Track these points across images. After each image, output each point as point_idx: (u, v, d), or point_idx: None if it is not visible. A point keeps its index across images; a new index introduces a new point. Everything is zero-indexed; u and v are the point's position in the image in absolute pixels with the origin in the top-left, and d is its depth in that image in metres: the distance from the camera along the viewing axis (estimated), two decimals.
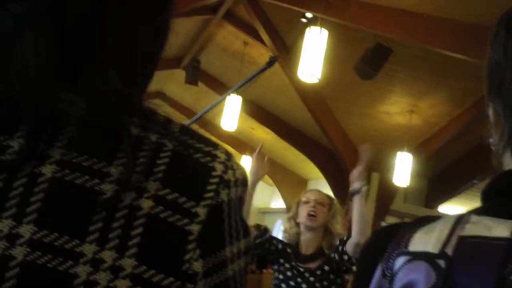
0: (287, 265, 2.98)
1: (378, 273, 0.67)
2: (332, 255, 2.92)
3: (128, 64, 0.57)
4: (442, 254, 0.62)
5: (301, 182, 11.51)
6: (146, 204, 0.50)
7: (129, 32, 0.56)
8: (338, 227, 3.00)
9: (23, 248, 0.47)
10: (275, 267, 3.04)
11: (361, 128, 7.82)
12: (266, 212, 13.55)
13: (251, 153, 10.27)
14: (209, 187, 0.53)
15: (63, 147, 0.50)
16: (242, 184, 0.57)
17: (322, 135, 8.13)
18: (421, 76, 6.35)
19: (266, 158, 3.11)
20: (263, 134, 10.00)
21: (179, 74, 8.54)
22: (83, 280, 0.47)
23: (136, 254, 0.49)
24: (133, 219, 0.49)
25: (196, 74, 8.27)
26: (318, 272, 2.91)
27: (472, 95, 6.41)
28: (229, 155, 0.57)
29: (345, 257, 2.85)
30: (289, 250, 3.02)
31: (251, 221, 11.46)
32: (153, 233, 0.50)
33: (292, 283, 2.91)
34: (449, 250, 0.62)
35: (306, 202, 2.99)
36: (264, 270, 11.04)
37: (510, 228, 0.61)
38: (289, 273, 2.95)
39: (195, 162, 0.54)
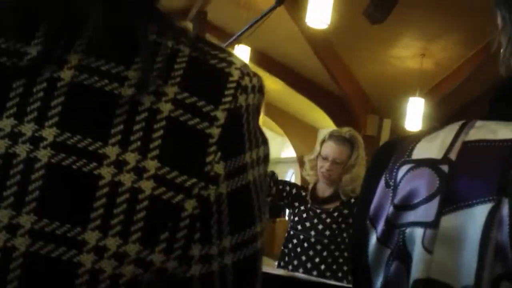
0: (302, 208, 2.99)
1: (381, 184, 0.67)
2: (353, 200, 2.92)
3: None
4: (445, 159, 0.62)
5: (312, 131, 11.49)
6: (166, 107, 0.50)
7: None
8: (347, 177, 2.95)
9: (48, 150, 0.47)
10: (291, 211, 3.05)
11: (371, 73, 7.75)
12: (277, 162, 13.59)
13: None
14: (227, 92, 0.53)
15: (80, 52, 0.50)
16: (259, 91, 0.57)
17: (332, 82, 8.08)
18: (432, 17, 6.24)
19: None
20: (272, 84, 9.94)
21: (186, 26, 8.45)
22: (108, 181, 0.48)
23: (158, 156, 0.49)
24: (153, 122, 0.50)
25: (203, 26, 8.19)
26: (335, 214, 2.91)
27: (484, 36, 6.30)
28: (244, 62, 0.57)
29: None
30: (303, 193, 3.03)
31: None
32: (174, 135, 0.50)
33: (308, 224, 2.93)
34: (453, 155, 0.62)
35: (325, 159, 2.97)
36: (277, 219, 11.20)
37: None
38: (304, 215, 2.97)
39: (212, 68, 0.54)
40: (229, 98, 0.53)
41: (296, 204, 3.03)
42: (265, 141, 0.58)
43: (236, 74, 0.54)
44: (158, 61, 0.52)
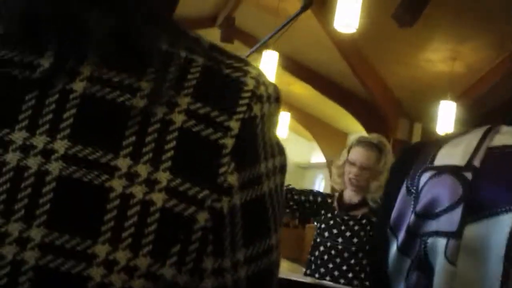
0: (329, 215, 2.97)
1: (403, 191, 0.65)
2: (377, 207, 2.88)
3: None
4: (468, 166, 0.60)
5: (341, 136, 11.44)
6: (178, 118, 0.50)
7: None
8: (375, 184, 2.92)
9: (59, 163, 0.47)
10: (317, 218, 3.03)
11: (401, 77, 7.69)
12: (306, 167, 13.56)
13: (289, 109, 10.26)
14: (242, 101, 0.52)
15: (92, 63, 0.50)
16: (275, 100, 0.56)
17: (361, 87, 8.04)
18: (462, 20, 6.16)
19: None
20: (300, 89, 9.94)
21: (214, 32, 8.51)
22: (119, 193, 0.47)
23: (170, 168, 0.49)
24: (166, 133, 0.49)
25: (231, 32, 8.23)
26: (363, 221, 2.88)
27: None
28: (260, 72, 0.56)
29: None
30: (329, 200, 3.01)
31: (293, 176, 11.56)
32: (187, 147, 0.50)
33: (335, 231, 2.90)
34: (477, 162, 0.60)
35: (353, 164, 2.94)
36: (307, 225, 11.17)
37: None
38: (331, 222, 2.94)
39: (226, 77, 0.53)
40: (243, 108, 0.52)
41: (323, 211, 3.00)
42: (281, 151, 0.57)
43: (251, 83, 0.53)
44: (171, 71, 0.51)
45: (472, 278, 0.57)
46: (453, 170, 0.61)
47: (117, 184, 0.47)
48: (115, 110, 0.49)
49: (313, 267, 2.94)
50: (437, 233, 0.60)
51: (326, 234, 2.92)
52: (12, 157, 0.47)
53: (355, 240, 2.86)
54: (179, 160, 0.49)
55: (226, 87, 0.53)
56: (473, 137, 0.63)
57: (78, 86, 0.49)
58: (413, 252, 0.63)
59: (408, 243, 0.63)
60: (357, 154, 2.95)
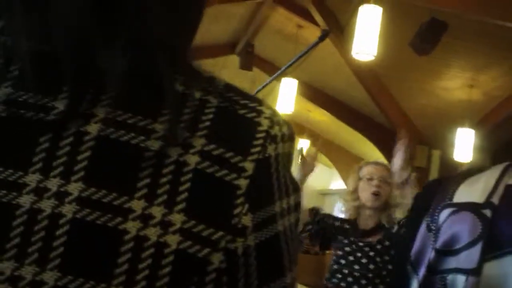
0: (345, 241, 2.93)
1: (423, 228, 0.66)
2: (392, 229, 2.88)
3: (171, 14, 0.55)
4: (488, 203, 0.61)
5: (360, 162, 11.40)
6: (193, 159, 0.50)
7: None
8: (396, 198, 2.94)
9: (72, 205, 0.47)
10: (334, 244, 3.02)
11: (419, 105, 7.69)
12: (326, 193, 13.50)
13: (308, 136, 10.25)
14: (256, 142, 0.53)
15: (107, 105, 0.50)
16: (289, 139, 0.56)
17: (380, 113, 8.03)
18: (479, 49, 6.18)
19: (315, 155, 3.05)
20: (319, 116, 9.95)
21: (233, 60, 8.57)
22: (133, 235, 0.47)
23: (184, 209, 0.49)
24: (180, 175, 0.49)
25: (250, 59, 8.28)
26: (379, 247, 2.86)
27: None
28: (274, 111, 0.56)
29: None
30: (347, 226, 2.99)
31: (313, 202, 11.44)
32: (201, 188, 0.50)
33: (351, 258, 2.88)
34: (496, 199, 0.61)
35: (370, 179, 2.93)
36: (327, 252, 11.03)
37: None
38: (347, 248, 2.91)
39: (241, 118, 0.53)
40: (258, 149, 0.52)
41: (340, 237, 2.99)
42: (296, 189, 0.57)
43: (265, 124, 0.54)
44: (186, 112, 0.51)
45: None
46: (473, 208, 0.62)
47: (131, 226, 0.47)
48: (129, 152, 0.49)
49: None
50: (457, 270, 0.60)
51: (343, 261, 2.90)
52: (25, 200, 0.47)
53: (371, 266, 2.83)
54: (193, 202, 0.49)
55: (241, 127, 0.53)
56: (492, 175, 0.64)
57: (93, 128, 0.49)
58: None
59: (429, 279, 0.63)
60: (372, 169, 2.96)
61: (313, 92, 8.93)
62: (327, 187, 13.43)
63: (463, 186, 0.65)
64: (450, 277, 0.60)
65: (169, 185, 0.49)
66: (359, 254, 2.88)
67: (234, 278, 0.51)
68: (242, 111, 0.54)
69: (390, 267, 2.85)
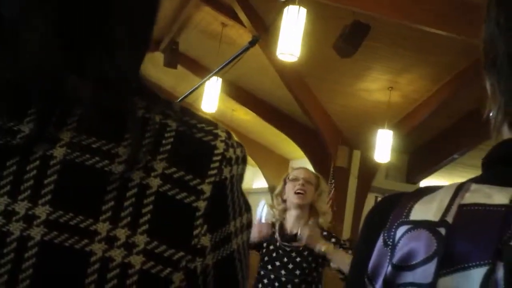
0: (271, 247, 2.94)
1: (379, 243, 0.67)
2: (328, 238, 2.89)
3: (135, 46, 0.59)
4: (442, 222, 0.63)
5: (283, 162, 11.53)
6: (155, 182, 0.52)
7: (134, 14, 0.58)
8: (324, 206, 2.99)
9: (41, 228, 0.48)
10: (260, 251, 3.01)
11: (341, 106, 7.85)
12: (248, 192, 13.57)
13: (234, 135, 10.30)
14: (213, 165, 0.55)
15: (72, 129, 0.51)
16: (242, 161, 0.59)
17: (303, 114, 8.14)
18: (400, 52, 6.38)
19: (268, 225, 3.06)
20: (244, 115, 9.99)
21: (158, 57, 8.47)
22: (99, 257, 0.49)
23: (147, 231, 0.51)
24: (143, 197, 0.51)
25: (175, 57, 8.21)
26: (305, 253, 2.87)
27: (450, 70, 6.46)
28: (229, 134, 0.59)
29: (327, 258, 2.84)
30: (272, 230, 3.00)
31: None
32: (163, 210, 0.52)
33: (277, 263, 2.88)
34: (450, 218, 0.63)
35: (294, 180, 2.97)
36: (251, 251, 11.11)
37: (509, 195, 0.62)
38: (274, 254, 2.91)
39: (198, 141, 0.56)
40: (214, 171, 0.55)
41: (265, 244, 2.99)
42: (248, 208, 0.60)
43: (221, 147, 0.56)
44: (147, 136, 0.53)
45: None
46: (428, 226, 0.63)
47: (97, 248, 0.49)
48: (94, 176, 0.50)
49: None
50: (413, 284, 0.62)
51: (269, 266, 2.89)
52: None
53: (297, 272, 2.84)
54: (155, 223, 0.51)
55: (199, 151, 0.55)
56: (445, 194, 0.66)
57: (58, 152, 0.50)
58: None
59: None
60: (298, 171, 3.00)
61: (237, 91, 8.96)
62: (250, 186, 13.50)
63: (418, 204, 0.67)
64: None
65: (133, 208, 0.51)
66: (285, 259, 2.88)
67: None
68: (199, 135, 0.56)
69: (315, 274, 2.87)
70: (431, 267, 0.61)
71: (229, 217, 0.56)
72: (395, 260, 0.65)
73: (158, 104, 0.57)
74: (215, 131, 0.58)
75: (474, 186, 0.66)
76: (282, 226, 2.98)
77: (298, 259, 2.85)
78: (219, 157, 0.56)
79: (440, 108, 7.12)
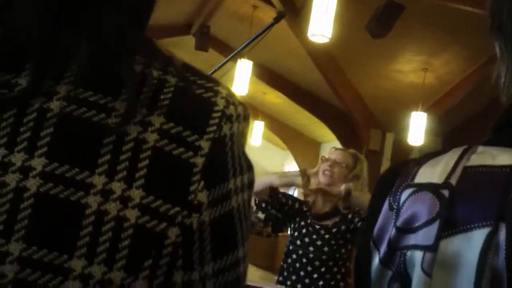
0: (302, 223, 2.99)
1: (385, 207, 0.68)
2: (350, 216, 2.91)
3: (134, 6, 0.58)
4: (446, 184, 0.63)
5: (314, 145, 11.50)
6: (152, 137, 0.52)
7: None
8: (357, 189, 2.96)
9: (36, 179, 0.48)
10: (291, 225, 3.05)
11: (374, 88, 7.77)
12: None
13: (262, 118, 10.26)
14: (212, 121, 0.55)
15: (69, 83, 0.51)
16: (243, 119, 0.58)
17: (335, 96, 8.09)
18: (434, 33, 6.26)
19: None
20: (275, 98, 9.97)
21: (189, 40, 8.49)
22: (94, 210, 0.49)
23: (143, 185, 0.51)
24: (139, 152, 0.51)
25: (205, 40, 8.22)
26: (334, 230, 2.91)
27: (485, 51, 6.32)
28: (230, 91, 0.58)
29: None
30: (305, 208, 3.03)
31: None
32: (159, 165, 0.52)
33: (307, 239, 2.92)
34: (453, 180, 0.63)
35: (326, 160, 2.99)
36: (280, 234, 11.15)
37: None
38: (304, 230, 2.96)
39: (198, 97, 0.55)
40: (213, 128, 0.54)
41: (297, 219, 3.02)
42: (249, 168, 0.59)
43: (221, 104, 0.56)
44: (145, 91, 0.53)
45: None
46: (432, 188, 0.64)
47: (93, 201, 0.49)
48: (91, 129, 0.50)
49: (285, 274, 2.96)
50: (415, 247, 0.62)
51: (298, 242, 2.94)
52: None
53: (325, 249, 2.88)
54: (151, 178, 0.51)
55: (198, 107, 0.55)
56: (451, 157, 0.66)
57: (55, 105, 0.50)
58: (394, 264, 0.65)
59: (389, 256, 0.66)
60: (332, 153, 3.01)
61: (268, 74, 8.94)
62: (280, 169, 13.51)
63: (423, 168, 0.67)
64: (408, 253, 0.63)
65: (129, 162, 0.51)
66: (314, 237, 2.92)
67: (189, 251, 0.53)
68: (199, 91, 0.56)
69: (343, 250, 2.90)
70: (433, 229, 0.61)
71: (228, 174, 0.55)
72: (399, 223, 0.65)
73: (158, 60, 0.56)
74: (216, 88, 0.57)
75: (481, 149, 0.65)
76: (314, 204, 3.01)
77: (326, 236, 2.89)
78: (218, 114, 0.55)
79: (475, 90, 6.99)
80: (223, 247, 0.56)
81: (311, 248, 2.90)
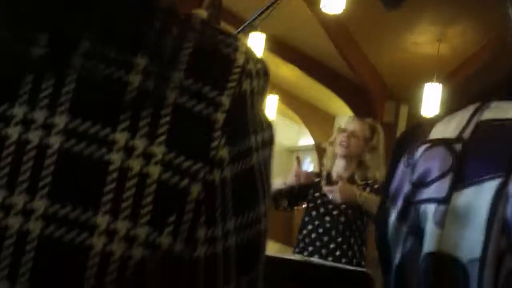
0: (317, 194, 2.98)
1: (402, 164, 0.70)
2: (364, 187, 2.90)
3: None
4: (459, 138, 0.65)
5: (329, 118, 11.46)
6: (172, 94, 0.52)
7: None
8: (374, 161, 2.95)
9: (59, 136, 0.49)
10: (307, 197, 3.04)
11: (388, 60, 7.70)
12: (294, 150, 13.58)
13: (276, 92, 10.25)
14: (232, 77, 0.54)
15: (90, 39, 0.51)
16: (263, 75, 0.58)
17: (349, 69, 8.04)
18: (448, 3, 6.17)
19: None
20: (288, 72, 9.92)
21: (201, 14, 8.44)
22: (117, 166, 0.49)
23: (165, 142, 0.51)
24: (160, 109, 0.51)
25: (217, 13, 8.17)
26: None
27: (499, 22, 6.22)
28: (249, 47, 0.58)
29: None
30: (318, 180, 3.03)
31: (281, 159, 11.52)
32: (180, 122, 0.52)
33: (322, 210, 2.92)
34: (466, 135, 0.65)
35: (343, 131, 2.99)
36: (296, 208, 11.21)
37: None
38: (319, 201, 2.96)
39: (217, 53, 0.55)
40: (233, 84, 0.54)
41: (311, 191, 3.02)
42: (269, 125, 0.59)
43: (241, 59, 0.56)
44: (164, 47, 0.53)
45: (457, 239, 0.62)
46: (445, 143, 0.65)
47: (116, 158, 0.49)
48: (112, 86, 0.51)
49: (301, 245, 2.97)
50: (428, 200, 0.64)
51: (314, 213, 2.95)
52: (13, 131, 0.49)
53: (342, 218, 2.88)
54: (173, 135, 0.51)
55: (217, 63, 0.55)
56: (465, 113, 0.68)
57: (76, 61, 0.51)
58: (409, 219, 0.67)
59: (405, 212, 0.68)
60: (349, 124, 3.00)
61: (281, 47, 8.88)
62: (295, 144, 13.49)
63: (438, 124, 0.69)
64: (422, 207, 0.65)
65: (150, 118, 0.51)
66: (330, 206, 2.92)
67: (211, 207, 0.53)
68: (218, 46, 0.56)
69: (359, 221, 2.90)
70: (446, 182, 0.63)
71: (249, 131, 0.56)
72: (413, 178, 0.67)
73: (177, 17, 0.56)
74: (235, 43, 0.57)
75: (494, 104, 0.67)
76: (329, 175, 3.01)
77: (343, 206, 2.88)
78: (238, 69, 0.55)
79: (491, 61, 6.90)
80: (244, 203, 0.56)
81: (327, 218, 2.91)
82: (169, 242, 0.51)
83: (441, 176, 0.64)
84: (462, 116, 0.67)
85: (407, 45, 7.34)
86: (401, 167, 0.70)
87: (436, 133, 0.68)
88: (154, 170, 0.50)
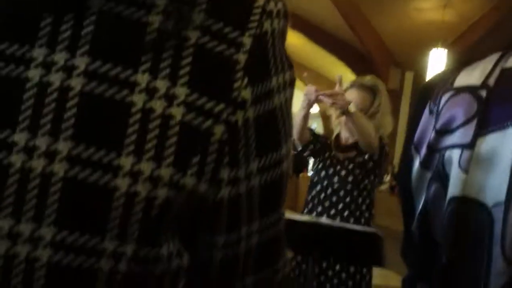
0: (326, 154, 2.98)
1: (426, 112, 0.71)
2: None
3: None
4: (483, 85, 0.66)
5: (334, 86, 11.42)
6: (193, 34, 0.51)
7: None
8: (380, 118, 2.96)
9: (80, 78, 0.48)
10: (316, 158, 3.05)
11: (393, 26, 7.66)
12: None
13: None
14: (253, 17, 0.53)
15: None
16: (284, 15, 0.57)
17: (354, 36, 8.00)
18: None
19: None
20: (293, 39, 9.86)
21: None
22: (140, 108, 0.48)
23: (187, 83, 0.50)
24: (181, 50, 0.50)
25: None
26: (358, 160, 2.90)
27: None
28: None
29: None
30: (326, 141, 3.04)
31: None
32: (202, 62, 0.51)
33: (331, 170, 2.92)
34: (491, 81, 0.65)
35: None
36: (300, 174, 11.20)
37: None
38: (328, 162, 2.96)
39: None
40: (254, 24, 0.53)
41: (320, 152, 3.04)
42: (290, 66, 0.58)
43: (261, 0, 0.54)
44: None
45: (482, 184, 0.63)
46: (470, 90, 0.66)
47: (138, 99, 0.48)
48: (131, 28, 0.50)
49: (310, 206, 2.96)
50: (453, 146, 0.65)
51: (323, 173, 2.93)
52: (34, 74, 0.48)
53: (350, 178, 2.86)
54: (195, 76, 0.50)
55: (238, 3, 0.54)
56: (489, 61, 0.68)
57: (95, 2, 0.49)
58: (433, 165, 0.68)
59: (429, 158, 0.69)
60: (351, 96, 2.99)
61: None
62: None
63: (463, 73, 0.69)
64: (447, 152, 0.65)
65: (172, 59, 0.50)
66: (338, 167, 2.92)
67: (235, 148, 0.53)
68: None
69: (367, 181, 2.90)
70: (471, 128, 0.64)
71: (271, 72, 0.55)
72: (438, 125, 0.68)
73: None
74: None
75: None
76: (337, 136, 3.02)
77: (351, 166, 2.88)
78: (259, 10, 0.54)
79: (496, 27, 6.86)
80: (267, 144, 0.56)
81: (335, 179, 2.90)
82: (193, 182, 0.51)
83: (466, 122, 0.64)
84: (486, 64, 0.68)
85: (412, 11, 7.28)
86: (425, 114, 0.70)
87: (461, 80, 0.68)
88: (177, 111, 0.49)
